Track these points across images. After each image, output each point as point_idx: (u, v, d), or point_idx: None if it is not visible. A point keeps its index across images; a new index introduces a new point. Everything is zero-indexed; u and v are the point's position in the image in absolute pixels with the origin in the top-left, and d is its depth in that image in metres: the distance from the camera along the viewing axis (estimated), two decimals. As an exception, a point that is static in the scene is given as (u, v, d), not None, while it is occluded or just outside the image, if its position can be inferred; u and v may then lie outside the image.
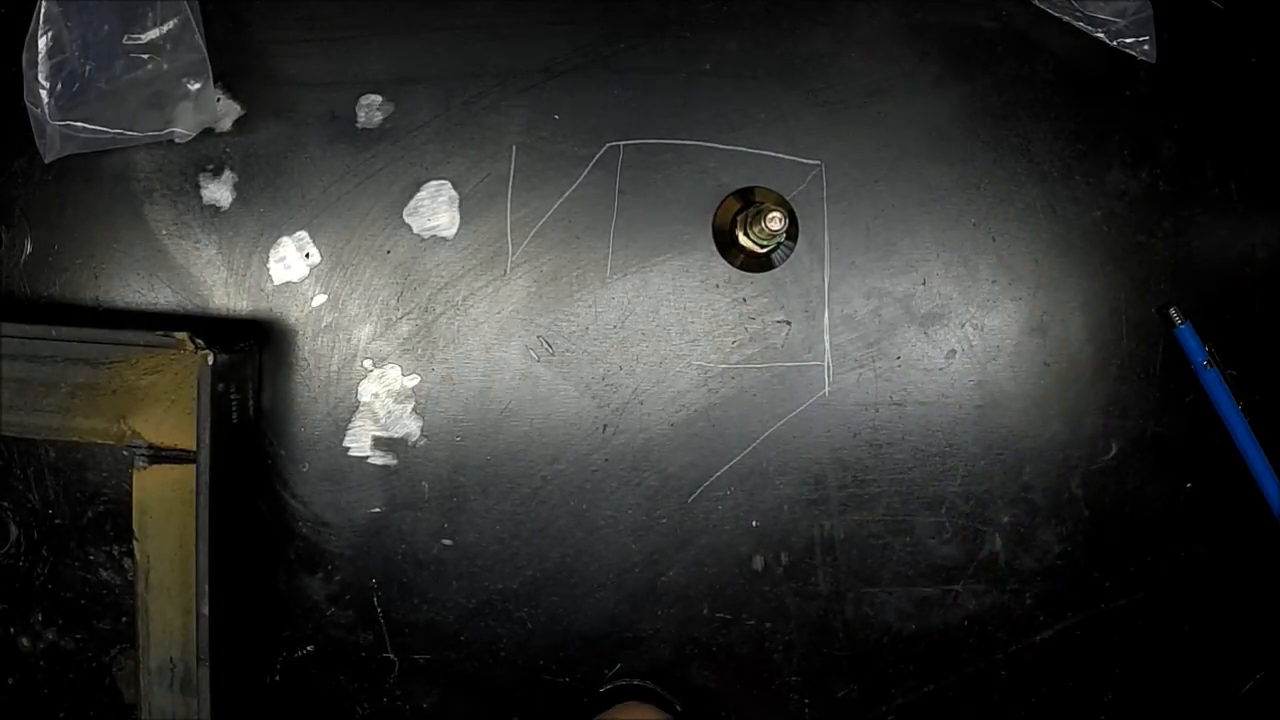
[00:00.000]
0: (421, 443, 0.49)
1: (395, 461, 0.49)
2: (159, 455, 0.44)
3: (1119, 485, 0.50)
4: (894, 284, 0.49)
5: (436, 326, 0.49)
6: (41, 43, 0.44)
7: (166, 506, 0.44)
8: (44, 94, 0.44)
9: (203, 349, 0.43)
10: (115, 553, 0.49)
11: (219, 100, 0.48)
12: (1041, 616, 0.50)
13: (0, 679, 0.49)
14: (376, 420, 0.49)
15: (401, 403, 0.49)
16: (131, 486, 0.44)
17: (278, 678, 0.49)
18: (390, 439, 0.49)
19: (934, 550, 0.50)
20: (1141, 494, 0.50)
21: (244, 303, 0.48)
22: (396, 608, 0.49)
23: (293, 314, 0.49)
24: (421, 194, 0.48)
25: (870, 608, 0.50)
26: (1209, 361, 0.49)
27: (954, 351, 0.49)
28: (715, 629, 0.50)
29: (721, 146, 0.49)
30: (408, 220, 0.48)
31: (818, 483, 0.49)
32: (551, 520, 0.49)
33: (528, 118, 0.48)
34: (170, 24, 0.45)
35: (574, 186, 0.48)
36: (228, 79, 0.48)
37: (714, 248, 0.49)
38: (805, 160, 0.49)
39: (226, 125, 0.48)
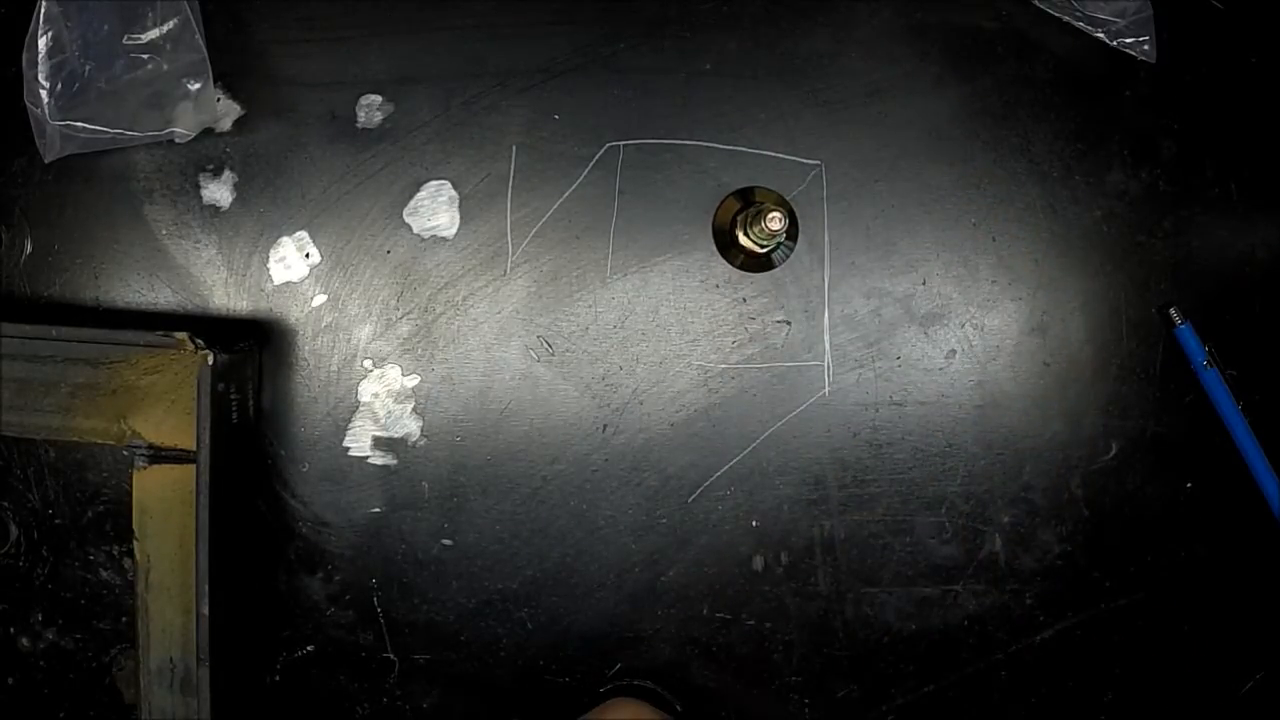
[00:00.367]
0: (421, 443, 0.49)
1: (395, 461, 0.49)
2: (159, 455, 0.44)
3: (1119, 485, 0.50)
4: (894, 284, 0.49)
5: (436, 326, 0.49)
6: (41, 43, 0.44)
7: (166, 506, 0.44)
8: (44, 94, 0.44)
9: (203, 349, 0.43)
10: (115, 553, 0.49)
11: (219, 100, 0.48)
12: (1041, 616, 0.50)
13: (0, 679, 0.49)
14: (376, 420, 0.49)
15: (401, 403, 0.49)
16: (131, 486, 0.44)
17: (278, 678, 0.49)
18: (390, 439, 0.49)
19: (934, 550, 0.50)
20: (1141, 494, 0.50)
21: (244, 303, 0.48)
22: (396, 608, 0.49)
23: (293, 314, 0.49)
24: (421, 194, 0.48)
25: (870, 608, 0.50)
26: (1209, 361, 0.49)
27: (954, 351, 0.49)
28: (715, 629, 0.50)
29: (721, 146, 0.49)
30: (408, 220, 0.48)
31: (818, 483, 0.49)
32: (551, 520, 0.49)
33: (528, 118, 0.48)
34: (170, 24, 0.45)
35: (574, 186, 0.48)
36: (228, 79, 0.48)
37: (714, 248, 0.49)
38: (805, 160, 0.49)
39: (226, 125, 0.48)
